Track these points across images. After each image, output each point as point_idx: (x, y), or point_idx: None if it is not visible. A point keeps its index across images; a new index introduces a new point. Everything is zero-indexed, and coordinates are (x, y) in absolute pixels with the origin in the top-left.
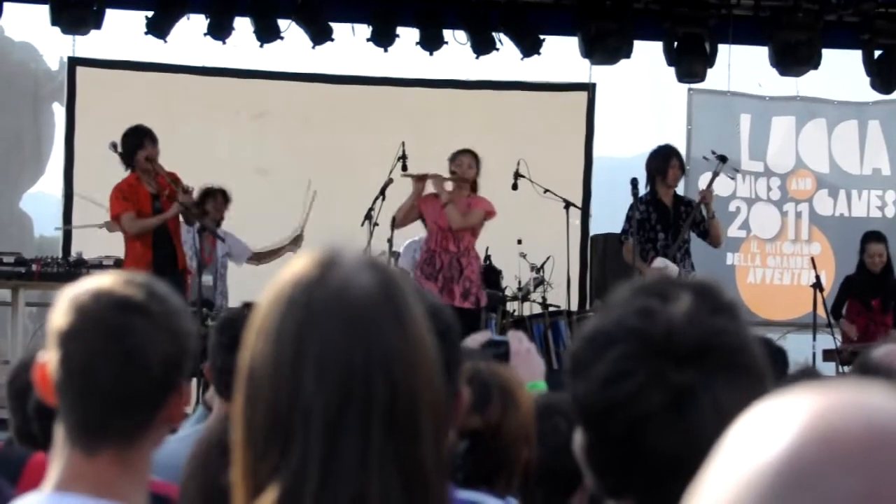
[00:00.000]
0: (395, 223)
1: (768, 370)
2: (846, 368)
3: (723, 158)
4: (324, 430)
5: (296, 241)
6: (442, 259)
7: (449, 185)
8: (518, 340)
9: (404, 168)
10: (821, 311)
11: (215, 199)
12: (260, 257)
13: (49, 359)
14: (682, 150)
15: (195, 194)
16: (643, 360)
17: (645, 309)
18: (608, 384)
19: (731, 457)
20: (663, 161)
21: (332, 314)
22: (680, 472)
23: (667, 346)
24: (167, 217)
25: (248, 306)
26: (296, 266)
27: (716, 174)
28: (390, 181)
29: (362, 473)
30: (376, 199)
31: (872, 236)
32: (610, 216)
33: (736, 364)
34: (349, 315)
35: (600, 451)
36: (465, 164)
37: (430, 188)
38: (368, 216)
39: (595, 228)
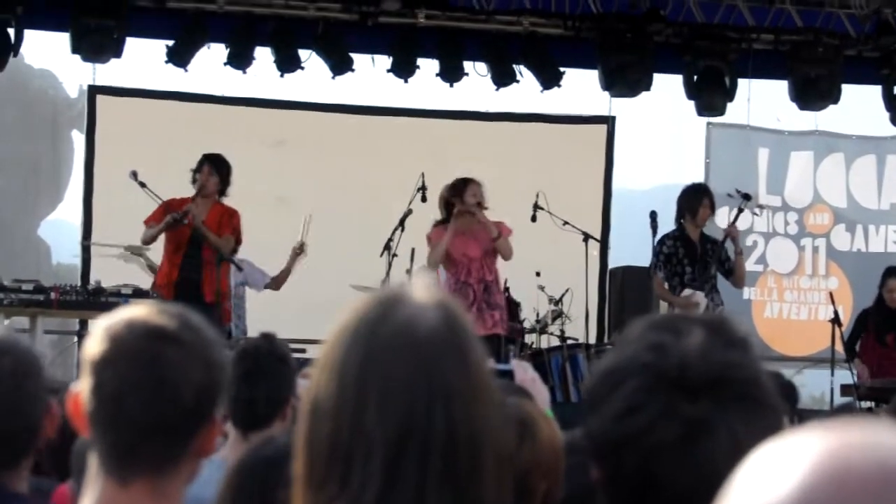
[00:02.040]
0: (431, 265)
1: (781, 404)
2: (864, 404)
3: (747, 196)
4: (383, 465)
5: (301, 249)
6: (476, 289)
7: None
8: (523, 370)
9: (423, 199)
10: (839, 347)
11: None
12: (278, 282)
13: (82, 387)
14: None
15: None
16: (656, 393)
17: (658, 344)
18: (621, 418)
19: (744, 492)
20: (695, 200)
21: (397, 350)
22: None
23: (679, 380)
24: (161, 228)
25: (266, 337)
26: (362, 303)
27: (741, 210)
28: (410, 212)
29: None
30: (395, 229)
31: (893, 271)
32: (628, 248)
33: (749, 397)
34: (413, 351)
35: (615, 484)
36: (480, 192)
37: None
38: (387, 247)
39: (612, 261)
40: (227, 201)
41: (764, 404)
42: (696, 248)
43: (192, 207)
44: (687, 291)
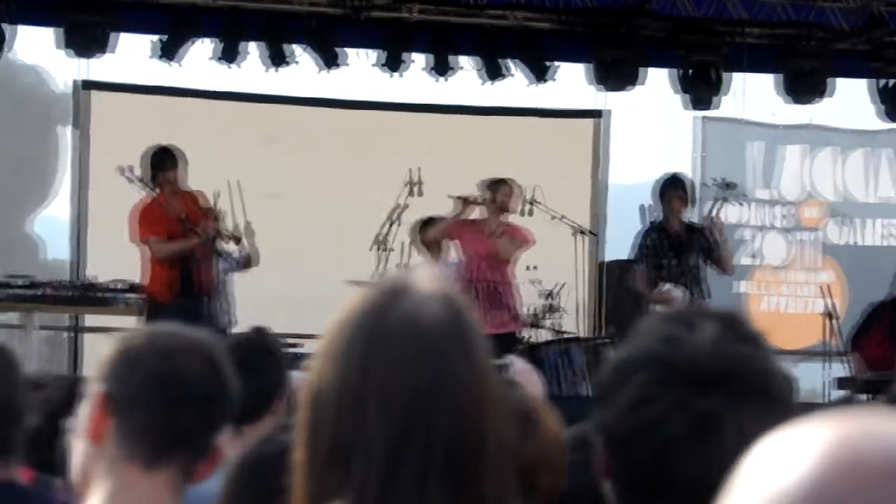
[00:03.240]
0: (428, 240)
1: (792, 399)
2: (860, 397)
3: (730, 185)
4: (384, 457)
5: (247, 231)
6: (479, 288)
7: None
8: (518, 364)
9: (419, 193)
10: (833, 340)
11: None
12: (246, 262)
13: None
14: (692, 177)
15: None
16: (668, 386)
17: (670, 337)
18: (633, 410)
19: (752, 481)
20: (667, 192)
21: (401, 341)
22: (704, 498)
23: (691, 373)
24: (189, 246)
25: (257, 331)
26: (365, 293)
27: (724, 200)
28: (405, 206)
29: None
30: (385, 223)
31: None
32: (621, 242)
33: (761, 391)
34: (417, 343)
35: (626, 476)
36: (511, 194)
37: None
38: (377, 241)
39: (606, 255)
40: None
41: (775, 399)
42: (679, 240)
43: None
44: (665, 286)
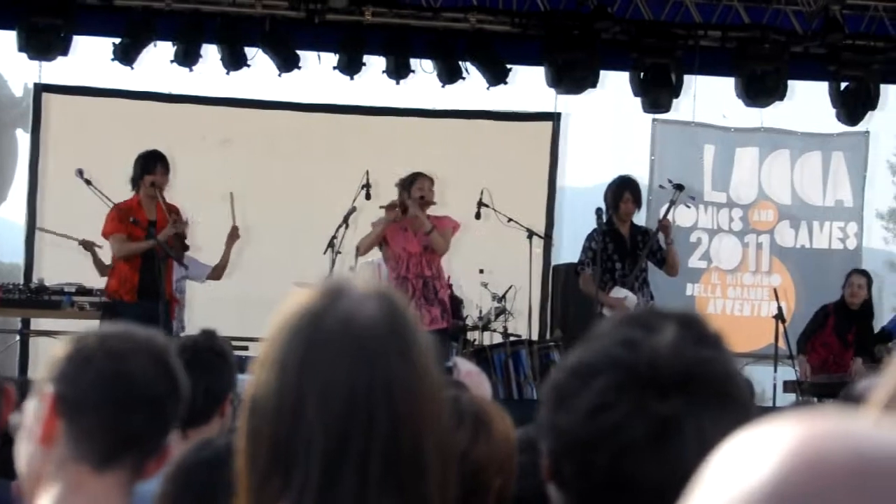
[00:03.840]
0: (360, 251)
1: (752, 402)
2: (811, 400)
3: (679, 187)
4: (323, 460)
5: (233, 236)
6: (414, 284)
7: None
8: (465, 366)
9: (367, 196)
10: (781, 343)
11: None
12: (218, 270)
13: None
14: (646, 180)
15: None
16: (627, 390)
17: (629, 340)
18: (592, 415)
19: (717, 481)
20: (616, 194)
21: (337, 343)
22: (664, 502)
23: (651, 377)
24: (145, 247)
25: (205, 333)
26: (301, 297)
27: (673, 203)
28: (354, 209)
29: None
30: (339, 227)
31: (858, 270)
32: (574, 245)
33: (720, 394)
34: (353, 344)
35: (583, 482)
36: (428, 187)
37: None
38: (331, 244)
39: (559, 258)
40: (176, 198)
41: (735, 402)
42: (626, 243)
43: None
44: (619, 292)
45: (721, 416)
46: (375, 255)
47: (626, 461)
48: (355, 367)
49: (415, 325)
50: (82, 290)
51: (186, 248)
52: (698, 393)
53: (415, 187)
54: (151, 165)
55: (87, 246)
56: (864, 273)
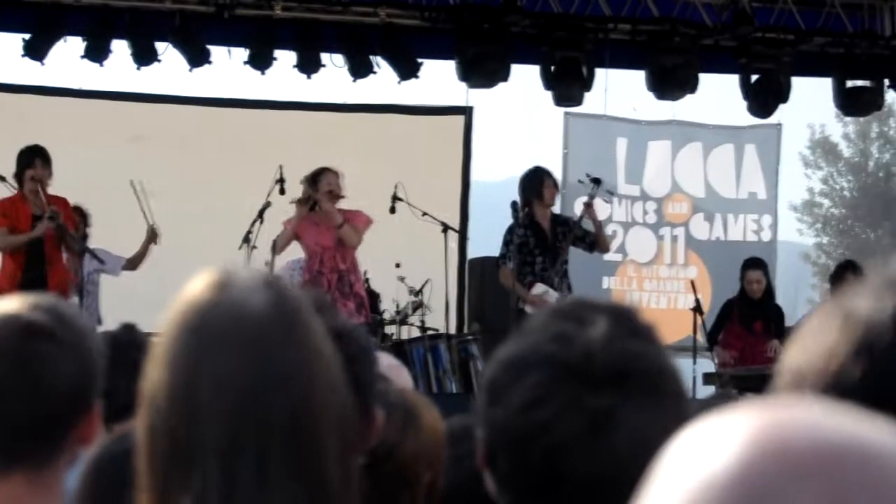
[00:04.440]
0: (277, 248)
1: (686, 394)
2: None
3: (597, 181)
4: (221, 455)
5: (153, 236)
6: (329, 279)
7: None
8: (385, 359)
9: (282, 191)
10: (699, 335)
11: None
12: (133, 262)
13: None
14: (558, 174)
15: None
16: (560, 385)
17: (561, 334)
18: (525, 411)
19: (675, 473)
20: (537, 182)
21: (225, 337)
22: (598, 497)
23: (584, 371)
24: (35, 235)
25: (126, 327)
26: (190, 290)
27: (591, 197)
28: (268, 204)
29: (261, 495)
30: (254, 222)
31: (750, 263)
32: (486, 239)
33: (654, 387)
34: (242, 337)
35: (518, 477)
36: (335, 181)
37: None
38: (246, 239)
39: (471, 252)
40: (85, 195)
41: (669, 394)
42: (547, 236)
43: (54, 207)
44: (540, 288)
45: (655, 409)
46: (300, 253)
47: (559, 456)
48: (244, 360)
49: (305, 311)
50: None
51: (85, 238)
52: (632, 385)
53: (322, 182)
54: (31, 159)
55: None
56: (759, 264)
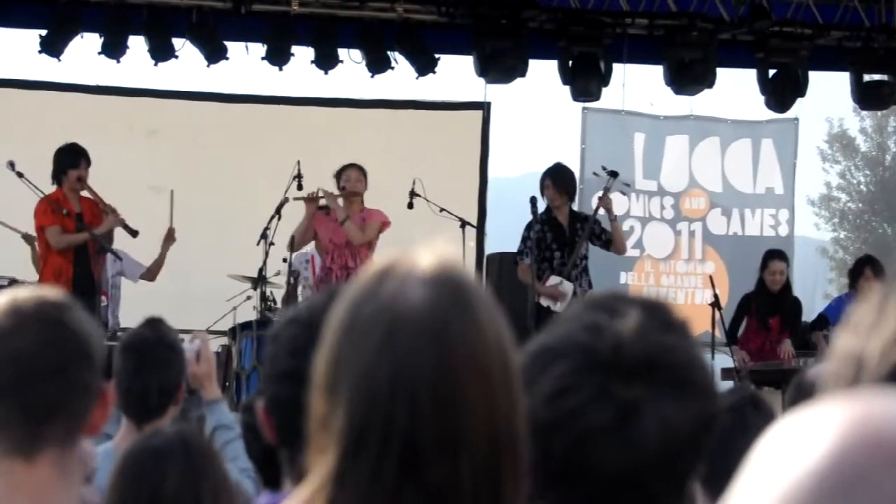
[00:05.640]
0: (294, 244)
1: (715, 389)
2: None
3: (613, 174)
4: (344, 447)
5: (169, 238)
6: (339, 276)
7: (341, 202)
8: None
9: (300, 187)
10: (717, 331)
11: None
12: (152, 272)
13: None
14: (576, 170)
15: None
16: (589, 375)
17: (593, 324)
18: (553, 400)
19: (770, 466)
20: (540, 182)
21: (369, 331)
22: (623, 486)
23: (613, 362)
24: (98, 233)
25: (151, 324)
26: (358, 278)
27: (607, 189)
28: (286, 200)
29: (370, 496)
30: (272, 218)
31: (774, 254)
32: (503, 235)
33: (683, 380)
34: (384, 334)
35: (544, 466)
36: (354, 178)
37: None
38: (264, 235)
39: (489, 248)
40: (103, 191)
41: (697, 388)
42: (565, 231)
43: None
44: (554, 279)
45: (683, 401)
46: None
47: (586, 446)
48: (378, 362)
49: (473, 315)
50: (14, 283)
51: (134, 233)
52: (661, 378)
53: (342, 178)
54: (76, 160)
55: (29, 240)
56: (782, 256)
